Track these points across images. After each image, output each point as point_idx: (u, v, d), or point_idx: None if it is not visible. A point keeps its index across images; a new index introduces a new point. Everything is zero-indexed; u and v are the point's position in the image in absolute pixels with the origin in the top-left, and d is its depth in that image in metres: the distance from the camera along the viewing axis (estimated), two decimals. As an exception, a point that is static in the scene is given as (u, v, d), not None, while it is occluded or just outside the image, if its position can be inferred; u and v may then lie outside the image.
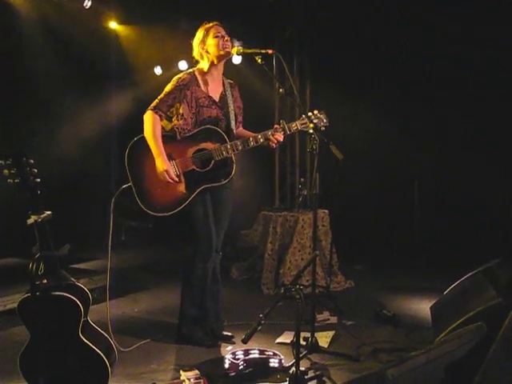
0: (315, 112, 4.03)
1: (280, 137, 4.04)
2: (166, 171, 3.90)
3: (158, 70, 8.23)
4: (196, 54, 4.20)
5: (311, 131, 3.97)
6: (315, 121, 3.98)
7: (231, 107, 4.21)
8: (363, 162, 7.37)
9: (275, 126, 4.08)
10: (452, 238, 6.82)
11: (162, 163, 3.91)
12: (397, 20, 6.95)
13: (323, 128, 4.02)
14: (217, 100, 4.18)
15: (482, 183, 6.61)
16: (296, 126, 4.05)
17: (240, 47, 4.08)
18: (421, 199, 7.57)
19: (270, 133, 4.03)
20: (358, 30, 7.24)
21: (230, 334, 4.36)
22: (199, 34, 4.15)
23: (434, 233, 7.17)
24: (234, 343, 4.22)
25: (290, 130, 4.05)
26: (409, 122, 7.36)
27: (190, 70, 4.22)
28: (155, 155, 3.93)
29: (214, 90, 4.20)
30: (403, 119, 7.33)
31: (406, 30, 6.94)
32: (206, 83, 4.17)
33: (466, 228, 6.74)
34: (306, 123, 4.02)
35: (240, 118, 4.35)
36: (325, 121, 4.01)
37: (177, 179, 3.95)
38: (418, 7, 6.67)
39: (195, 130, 4.04)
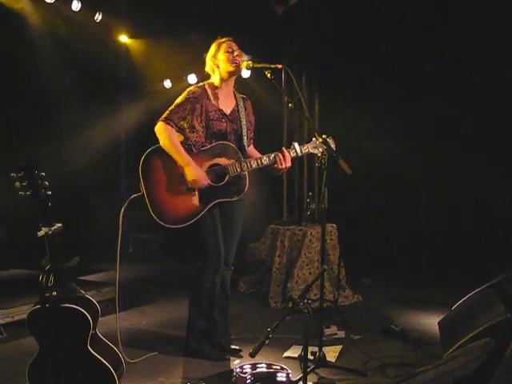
0: (324, 136, 4.06)
1: (288, 159, 4.05)
2: (200, 179, 3.91)
3: (167, 84, 8.29)
4: (208, 68, 4.23)
5: (319, 154, 4.03)
6: (324, 147, 4.01)
7: (243, 122, 4.22)
8: (371, 173, 7.37)
9: (283, 149, 4.09)
10: (461, 250, 6.80)
11: (193, 171, 3.90)
12: (405, 32, 6.98)
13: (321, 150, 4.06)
14: (227, 114, 4.19)
15: (497, 192, 6.62)
16: (307, 148, 4.09)
17: (249, 61, 4.11)
18: (428, 211, 7.58)
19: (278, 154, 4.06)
20: (366, 43, 7.26)
21: (237, 347, 4.35)
22: (212, 48, 4.19)
23: (444, 244, 7.16)
24: (241, 357, 4.21)
25: (301, 152, 4.09)
26: (420, 133, 7.38)
27: (201, 84, 4.24)
28: (184, 164, 3.92)
29: (225, 104, 4.22)
30: (413, 132, 7.35)
31: (419, 43, 6.97)
32: (216, 97, 4.19)
33: (476, 240, 6.73)
34: (316, 146, 4.07)
35: (251, 134, 4.34)
36: (333, 146, 4.04)
37: (209, 183, 3.97)
38: (431, 16, 6.70)
39: (211, 145, 4.06)
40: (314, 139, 4.11)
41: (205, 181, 3.94)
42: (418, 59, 7.02)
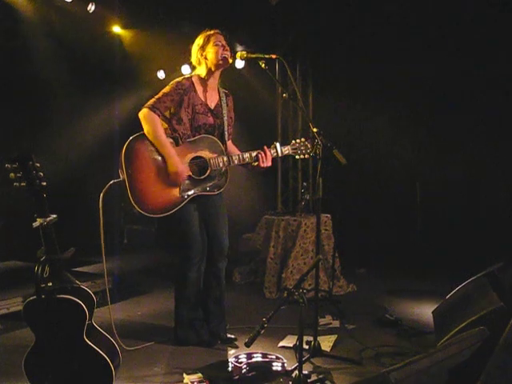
0: (303, 139, 4.19)
1: (269, 158, 4.11)
2: (182, 172, 3.92)
3: (161, 74, 8.26)
4: (194, 59, 4.22)
5: (297, 157, 4.22)
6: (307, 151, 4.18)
7: (225, 117, 4.24)
8: (364, 164, 7.38)
9: (272, 145, 4.16)
10: (454, 241, 6.84)
11: (175, 164, 3.91)
12: (398, 24, 6.98)
13: (307, 156, 4.15)
14: (212, 108, 4.21)
15: (486, 184, 6.64)
16: (288, 150, 4.20)
17: (244, 52, 4.11)
18: (423, 201, 7.60)
19: (254, 154, 4.12)
20: (360, 34, 7.26)
21: (233, 336, 4.39)
22: (199, 40, 4.17)
23: (437, 235, 7.19)
24: (237, 347, 4.23)
25: (281, 153, 4.17)
26: (412, 125, 7.39)
27: (188, 76, 4.23)
28: (166, 156, 3.92)
29: (210, 97, 4.23)
30: (406, 122, 7.37)
31: (407, 34, 6.97)
32: (202, 90, 4.20)
33: (469, 230, 6.76)
34: (296, 149, 4.18)
35: (230, 130, 4.35)
36: (309, 151, 4.13)
37: (188, 175, 3.98)
38: (420, 11, 6.70)
39: (195, 137, 4.07)
40: (293, 141, 4.19)
41: (185, 175, 3.96)
42: (410, 51, 7.02)
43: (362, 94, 7.47)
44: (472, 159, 6.90)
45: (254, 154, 4.11)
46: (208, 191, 4.09)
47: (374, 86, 7.45)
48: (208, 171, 4.04)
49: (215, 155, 4.06)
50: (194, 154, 4.04)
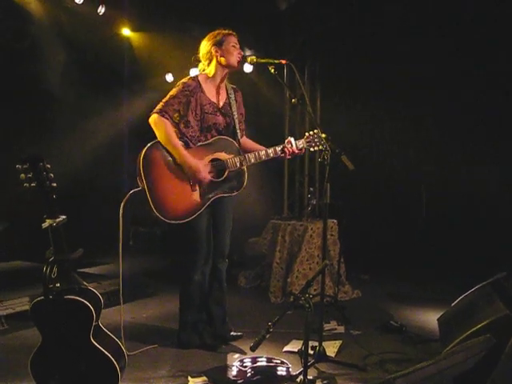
0: (316, 131, 4.14)
1: (293, 148, 4.10)
2: (198, 168, 3.92)
3: (169, 77, 8.28)
4: (204, 54, 4.18)
5: (311, 150, 4.16)
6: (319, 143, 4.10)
7: (236, 115, 4.24)
8: (370, 168, 7.37)
9: (287, 140, 4.16)
10: (460, 247, 6.82)
11: (192, 164, 3.91)
12: (406, 28, 6.98)
13: (321, 148, 4.09)
14: (220, 107, 4.20)
15: (494, 190, 6.64)
16: (302, 143, 4.17)
17: (254, 57, 4.12)
18: (429, 206, 7.60)
19: (279, 148, 4.13)
20: (367, 36, 7.26)
21: (239, 333, 4.45)
22: (216, 36, 4.13)
23: (442, 241, 7.18)
24: (244, 352, 4.21)
25: (297, 147, 4.15)
26: (418, 128, 7.39)
27: (194, 76, 4.21)
28: (180, 157, 3.91)
29: (218, 96, 4.22)
30: (414, 126, 7.37)
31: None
32: (210, 89, 4.17)
33: (475, 236, 6.75)
34: (310, 141, 4.14)
35: (242, 126, 4.35)
36: (322, 142, 4.08)
37: (210, 178, 3.99)
38: (429, 15, 6.71)
39: (210, 140, 4.07)
40: (307, 134, 4.17)
41: (205, 173, 3.95)
42: (418, 54, 7.02)
43: (372, 98, 7.48)
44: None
45: (278, 148, 4.11)
46: (228, 192, 4.10)
47: (381, 88, 7.45)
48: (226, 173, 4.05)
49: (232, 156, 4.07)
50: (211, 157, 4.05)
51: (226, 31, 4.16)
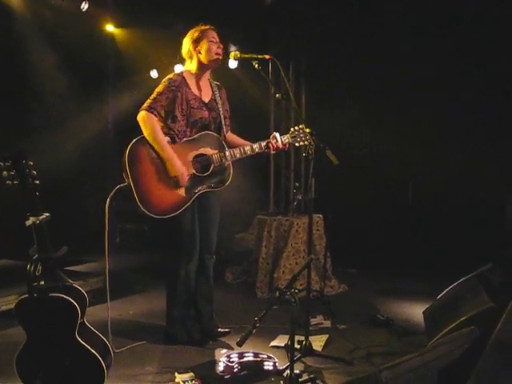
0: (301, 126, 4.14)
1: (278, 144, 4.11)
2: (182, 175, 3.92)
3: (154, 74, 8.24)
4: (185, 52, 4.21)
5: (297, 145, 4.14)
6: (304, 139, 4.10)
7: (221, 110, 4.25)
8: (357, 164, 7.38)
9: (272, 135, 4.17)
10: (446, 241, 6.86)
11: (176, 167, 3.91)
12: (395, 23, 6.98)
13: (306, 143, 4.09)
14: (206, 102, 4.21)
15: (478, 185, 6.66)
16: (287, 139, 4.17)
17: (237, 52, 4.12)
18: (414, 200, 7.62)
19: (264, 143, 4.14)
20: (353, 34, 7.27)
21: (227, 329, 4.45)
22: (193, 33, 4.15)
23: (428, 235, 7.21)
24: (232, 348, 4.21)
25: (282, 143, 4.16)
26: (402, 123, 7.40)
27: (179, 72, 4.24)
28: (166, 159, 3.91)
29: (203, 92, 4.23)
30: (397, 122, 7.38)
31: (405, 34, 6.98)
32: (195, 85, 4.19)
33: (460, 230, 6.78)
34: (295, 136, 4.15)
35: (228, 122, 4.37)
36: (308, 137, 4.08)
37: (186, 184, 3.98)
38: (418, 12, 6.72)
39: (196, 135, 4.08)
40: (292, 129, 4.18)
41: (186, 176, 3.95)
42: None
43: (357, 94, 7.48)
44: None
45: (263, 143, 4.13)
46: (213, 187, 4.11)
47: (369, 84, 7.45)
48: (211, 168, 4.05)
49: (216, 151, 4.08)
50: (195, 152, 4.05)
51: (204, 27, 4.17)
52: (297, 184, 7.01)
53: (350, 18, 7.09)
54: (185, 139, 4.06)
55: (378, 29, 7.10)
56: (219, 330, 4.44)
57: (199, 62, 4.15)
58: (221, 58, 4.12)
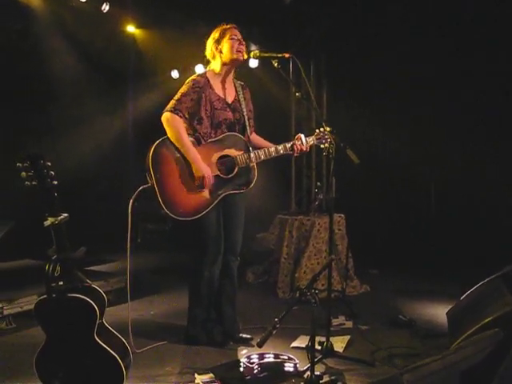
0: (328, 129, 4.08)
1: (302, 146, 4.09)
2: (208, 176, 3.90)
3: (175, 74, 8.26)
4: (208, 53, 4.20)
5: (322, 146, 4.14)
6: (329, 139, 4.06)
7: (245, 111, 4.22)
8: (379, 164, 7.33)
9: (297, 136, 4.17)
10: (469, 242, 6.76)
11: (201, 168, 3.90)
12: (413, 25, 6.92)
13: (327, 145, 4.06)
14: (230, 102, 4.19)
15: (501, 185, 6.59)
16: (312, 140, 4.18)
17: (257, 51, 4.11)
18: (438, 200, 7.56)
19: (289, 145, 4.13)
20: (374, 34, 7.21)
21: (248, 336, 4.37)
22: (215, 33, 4.15)
23: (451, 236, 7.12)
24: (252, 346, 4.21)
25: (307, 144, 4.16)
26: (425, 125, 7.34)
27: (202, 73, 4.22)
28: (191, 161, 3.91)
29: (227, 92, 4.21)
30: (418, 122, 7.32)
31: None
32: (218, 85, 4.17)
33: (484, 231, 6.70)
34: (320, 138, 4.15)
35: (252, 122, 4.33)
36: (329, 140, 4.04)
37: (211, 185, 3.96)
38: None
39: (220, 136, 4.06)
40: (317, 131, 4.15)
41: (211, 178, 3.93)
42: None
43: (377, 93, 7.43)
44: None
45: (288, 145, 4.12)
46: (238, 189, 4.09)
47: (390, 84, 7.40)
48: (236, 169, 4.03)
49: (241, 152, 4.06)
50: (220, 153, 4.04)
51: (225, 26, 4.15)
52: (318, 183, 6.96)
53: (370, 17, 7.04)
54: (209, 140, 4.05)
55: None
56: (241, 335, 4.38)
57: (222, 61, 4.13)
58: (243, 54, 4.09)
